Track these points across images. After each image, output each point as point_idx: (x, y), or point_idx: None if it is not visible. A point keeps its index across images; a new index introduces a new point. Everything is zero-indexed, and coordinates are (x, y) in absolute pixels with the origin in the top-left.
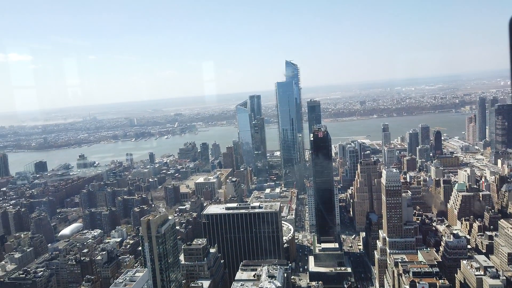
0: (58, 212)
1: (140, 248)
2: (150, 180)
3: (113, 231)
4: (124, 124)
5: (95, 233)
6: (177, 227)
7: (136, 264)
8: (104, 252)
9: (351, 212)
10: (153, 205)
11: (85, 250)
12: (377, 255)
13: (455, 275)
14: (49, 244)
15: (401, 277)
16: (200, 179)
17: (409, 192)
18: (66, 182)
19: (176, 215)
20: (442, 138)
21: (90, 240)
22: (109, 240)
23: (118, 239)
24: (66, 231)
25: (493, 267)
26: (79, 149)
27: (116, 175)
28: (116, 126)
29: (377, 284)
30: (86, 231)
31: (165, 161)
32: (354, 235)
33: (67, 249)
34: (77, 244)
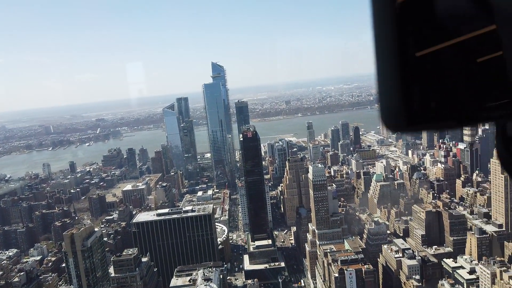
0: None
1: (64, 265)
2: (71, 191)
3: (31, 249)
4: (39, 132)
5: (10, 253)
6: (105, 239)
7: (60, 282)
8: (22, 273)
9: (282, 208)
10: (76, 218)
11: (0, 273)
12: (307, 247)
13: (378, 259)
14: None
15: (331, 266)
16: (128, 187)
17: (334, 185)
18: None
19: (103, 226)
20: (360, 133)
21: (4, 261)
22: (28, 259)
23: (38, 258)
24: None
25: (409, 248)
26: None
27: (32, 188)
28: (29, 135)
29: (309, 275)
30: None
31: (88, 169)
32: (286, 230)
33: None
34: None
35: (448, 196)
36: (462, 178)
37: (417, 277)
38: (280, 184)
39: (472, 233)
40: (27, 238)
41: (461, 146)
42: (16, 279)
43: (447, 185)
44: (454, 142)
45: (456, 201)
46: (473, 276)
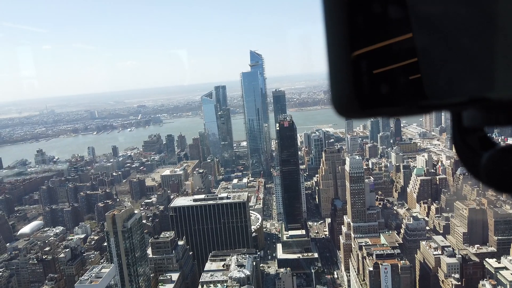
0: (16, 210)
1: (105, 244)
2: (114, 174)
3: (76, 227)
4: (85, 117)
5: (57, 231)
6: (144, 221)
7: (102, 260)
8: (67, 250)
9: (316, 199)
10: (118, 200)
11: (47, 248)
12: (342, 239)
13: (415, 255)
14: (8, 244)
15: (365, 259)
16: (166, 172)
17: (372, 178)
18: (23, 178)
19: (142, 208)
20: (402, 125)
21: (52, 238)
22: (73, 237)
23: (82, 236)
24: (26, 229)
25: (449, 246)
26: (36, 144)
27: (78, 170)
28: (76, 119)
29: (342, 268)
30: (47, 228)
31: (129, 154)
32: (320, 221)
33: (27, 248)
34: (38, 243)
35: (494, 194)
36: None
37: (457, 276)
38: (316, 175)
39: None
40: (72, 217)
41: (511, 140)
42: (62, 255)
43: None
44: (503, 136)
45: (502, 199)
46: None
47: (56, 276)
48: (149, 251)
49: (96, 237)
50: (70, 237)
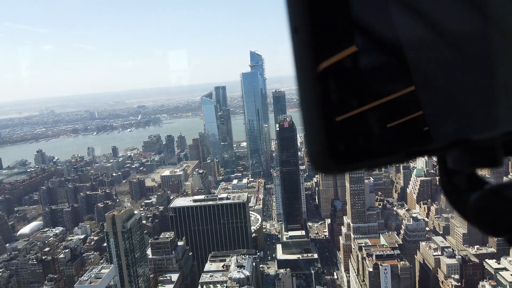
0: (16, 210)
1: (105, 244)
2: (113, 174)
3: (76, 228)
4: (85, 117)
5: (57, 231)
6: (144, 221)
7: (102, 261)
8: (67, 250)
9: (316, 200)
10: (117, 200)
11: (47, 249)
12: (342, 240)
13: (415, 256)
14: (7, 244)
15: (365, 260)
16: (166, 172)
17: (371, 179)
18: (23, 179)
19: (142, 209)
20: None
21: (51, 238)
22: (72, 238)
23: (82, 236)
24: (25, 229)
25: (449, 247)
26: (36, 144)
27: (78, 171)
28: (76, 120)
29: (342, 268)
30: (47, 229)
31: (129, 154)
32: (320, 222)
33: (27, 249)
34: (38, 243)
35: None
36: (510, 175)
37: (456, 276)
38: (316, 176)
39: None
40: (72, 217)
41: None
42: (62, 256)
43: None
44: None
45: None
46: None
47: (55, 276)
48: (149, 251)
49: (95, 238)
50: (69, 238)
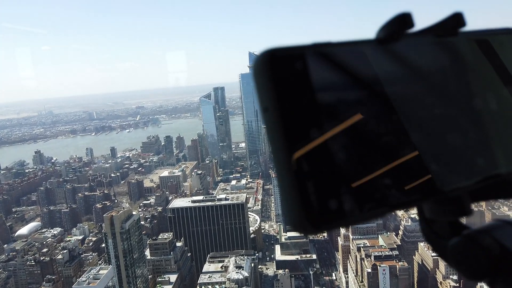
0: (14, 211)
1: (103, 245)
2: (112, 175)
3: (74, 228)
4: (83, 118)
5: (55, 232)
6: (142, 222)
7: (100, 262)
8: (65, 251)
9: None
10: (116, 201)
11: (45, 250)
12: (340, 241)
13: (414, 257)
14: (5, 245)
15: (364, 261)
16: (165, 173)
17: None
18: (21, 179)
19: (140, 210)
20: None
21: (49, 239)
22: (70, 238)
23: (80, 237)
24: (24, 230)
25: None
26: (34, 145)
27: (76, 171)
28: (74, 120)
29: (341, 269)
30: (45, 230)
31: (127, 155)
32: None
33: (25, 249)
34: (36, 244)
35: None
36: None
37: (455, 277)
38: None
39: None
40: (70, 218)
41: None
42: (60, 256)
43: None
44: None
45: (501, 200)
46: None
47: (53, 277)
48: (147, 252)
49: (94, 239)
50: (68, 239)
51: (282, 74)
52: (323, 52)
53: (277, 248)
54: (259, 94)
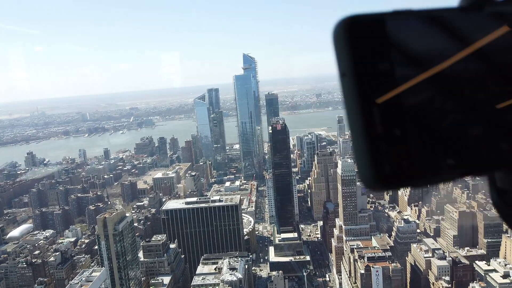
0: (6, 213)
1: (96, 247)
2: (105, 176)
3: (66, 230)
4: (76, 119)
5: (47, 234)
6: (135, 224)
7: (93, 264)
8: (57, 253)
9: (309, 202)
10: (109, 203)
11: (37, 252)
12: (334, 242)
13: (406, 258)
14: None
15: (357, 262)
16: (158, 174)
17: None
18: (13, 181)
19: (134, 211)
20: None
21: (41, 241)
22: (63, 240)
23: (73, 239)
24: (15, 232)
25: (440, 249)
26: (27, 146)
27: (69, 173)
28: (67, 121)
29: (334, 270)
30: (37, 232)
31: (121, 156)
32: (312, 224)
33: (16, 252)
34: (28, 246)
35: (484, 197)
36: None
37: (447, 278)
38: (308, 178)
39: (508, 236)
40: (63, 220)
41: None
42: (52, 259)
43: (483, 185)
44: None
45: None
46: (506, 281)
47: (45, 280)
48: (141, 254)
49: (86, 241)
50: (60, 241)
51: (360, 40)
52: (403, 19)
53: (271, 249)
54: (337, 60)
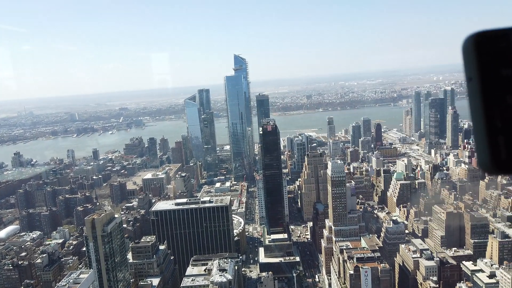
0: None
1: (84, 249)
2: (94, 177)
3: (54, 232)
4: (65, 119)
5: (34, 235)
6: (124, 225)
7: (81, 266)
8: (44, 255)
9: (299, 203)
10: (98, 204)
11: (23, 254)
12: (323, 243)
13: (395, 258)
14: None
15: (346, 263)
16: (148, 175)
17: (353, 182)
18: None
19: (123, 213)
20: (382, 130)
21: (28, 243)
22: (50, 242)
23: (60, 240)
24: (1, 234)
25: (428, 249)
26: (14, 146)
27: (57, 173)
28: (55, 121)
29: (324, 271)
30: (23, 233)
31: (110, 157)
32: (302, 225)
33: (2, 253)
34: (14, 248)
35: (471, 198)
36: (486, 180)
37: (435, 278)
38: (298, 179)
39: (494, 237)
40: (50, 221)
41: None
42: (39, 261)
43: (470, 187)
44: None
45: (478, 203)
46: (492, 280)
47: (32, 282)
48: (130, 255)
49: (74, 242)
50: (47, 242)
51: (486, 49)
52: None
53: (261, 250)
54: (465, 66)
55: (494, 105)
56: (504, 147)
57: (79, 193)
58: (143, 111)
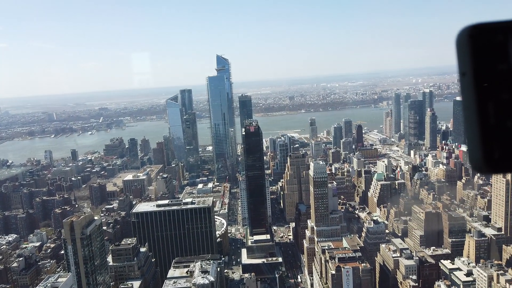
0: None
1: (63, 252)
2: (72, 179)
3: (31, 235)
4: (42, 119)
5: (10, 239)
6: (104, 227)
7: (59, 269)
8: (21, 258)
9: (281, 204)
10: (76, 206)
11: None
12: (305, 243)
13: (375, 258)
14: None
15: (328, 263)
16: (129, 177)
17: (334, 183)
18: None
19: (102, 215)
20: (363, 131)
21: (4, 246)
22: (27, 245)
23: (37, 244)
24: None
25: (407, 249)
26: None
27: (34, 175)
28: (32, 122)
29: (306, 271)
30: None
31: (89, 158)
32: (285, 226)
33: None
34: None
35: (449, 198)
36: (463, 181)
37: (414, 277)
38: (281, 180)
39: (471, 236)
40: (27, 224)
41: (464, 148)
42: (15, 264)
43: (448, 187)
44: (457, 143)
45: (456, 203)
46: (470, 279)
47: (8, 286)
48: (110, 258)
49: (52, 245)
50: (24, 245)
51: (480, 44)
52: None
53: (244, 251)
54: (459, 61)
55: (488, 102)
56: (498, 146)
57: (57, 195)
58: (123, 111)
